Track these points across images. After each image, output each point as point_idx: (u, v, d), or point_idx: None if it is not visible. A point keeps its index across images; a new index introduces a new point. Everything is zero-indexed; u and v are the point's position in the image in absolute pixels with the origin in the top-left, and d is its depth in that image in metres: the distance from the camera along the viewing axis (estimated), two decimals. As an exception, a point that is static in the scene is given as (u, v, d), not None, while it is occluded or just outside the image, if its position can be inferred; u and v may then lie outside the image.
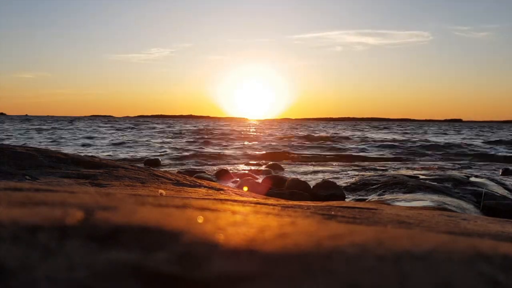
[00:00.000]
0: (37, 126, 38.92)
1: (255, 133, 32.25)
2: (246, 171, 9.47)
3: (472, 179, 7.56)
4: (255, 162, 12.56)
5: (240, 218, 0.75)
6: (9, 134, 27.45)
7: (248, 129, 42.10)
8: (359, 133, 34.14)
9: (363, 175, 8.19)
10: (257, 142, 21.72)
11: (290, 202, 2.82)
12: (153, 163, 11.16)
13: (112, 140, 22.33)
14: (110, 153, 15.73)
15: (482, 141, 24.73)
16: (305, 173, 9.90)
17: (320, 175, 9.35)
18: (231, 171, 9.03)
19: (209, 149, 17.36)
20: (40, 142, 20.26)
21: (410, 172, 8.94)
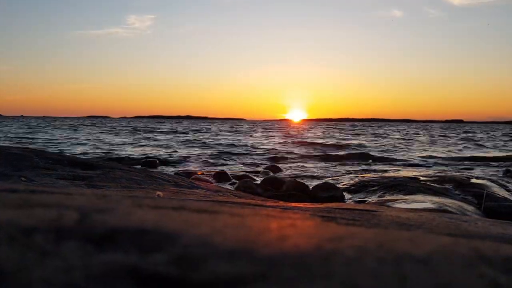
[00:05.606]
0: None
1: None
2: (245, 173, 9.46)
3: (473, 180, 7.57)
4: (255, 163, 12.56)
5: (239, 220, 0.74)
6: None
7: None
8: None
9: (363, 176, 8.19)
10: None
11: (289, 204, 2.82)
12: (150, 164, 11.14)
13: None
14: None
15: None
16: (305, 174, 9.90)
17: (319, 176, 9.35)
18: (229, 173, 9.02)
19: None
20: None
21: (410, 174, 8.94)
